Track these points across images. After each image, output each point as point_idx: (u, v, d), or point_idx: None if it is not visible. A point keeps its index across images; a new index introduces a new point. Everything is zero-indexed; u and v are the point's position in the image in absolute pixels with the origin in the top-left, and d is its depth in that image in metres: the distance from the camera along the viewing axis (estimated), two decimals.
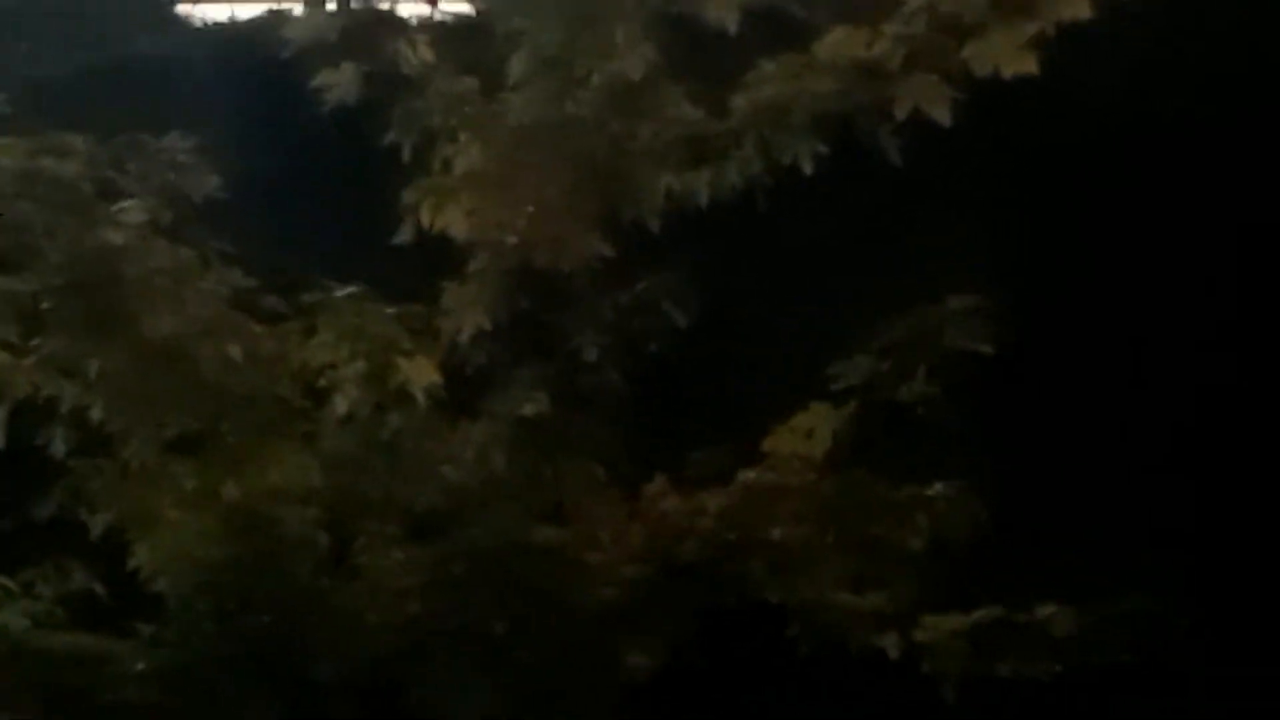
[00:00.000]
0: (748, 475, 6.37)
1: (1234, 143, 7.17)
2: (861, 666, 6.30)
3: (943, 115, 5.62)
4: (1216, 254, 7.18)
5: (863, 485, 6.30)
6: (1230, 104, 7.19)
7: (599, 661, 6.37)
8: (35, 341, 6.20)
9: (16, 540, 6.73)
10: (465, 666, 6.33)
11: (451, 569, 6.34)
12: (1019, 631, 6.21)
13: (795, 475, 6.34)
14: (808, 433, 6.35)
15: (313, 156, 7.23)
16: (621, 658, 6.36)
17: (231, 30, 8.72)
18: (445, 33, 6.50)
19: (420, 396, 6.27)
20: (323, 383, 6.32)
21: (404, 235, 6.25)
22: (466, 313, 6.25)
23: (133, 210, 6.15)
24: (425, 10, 6.74)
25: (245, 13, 8.77)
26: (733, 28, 5.84)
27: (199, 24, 9.06)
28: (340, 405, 6.29)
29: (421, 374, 6.26)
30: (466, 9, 7.17)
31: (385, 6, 6.37)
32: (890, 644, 6.27)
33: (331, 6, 6.26)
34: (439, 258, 6.30)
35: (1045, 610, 6.21)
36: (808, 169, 5.87)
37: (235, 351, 6.15)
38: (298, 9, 6.45)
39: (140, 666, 6.41)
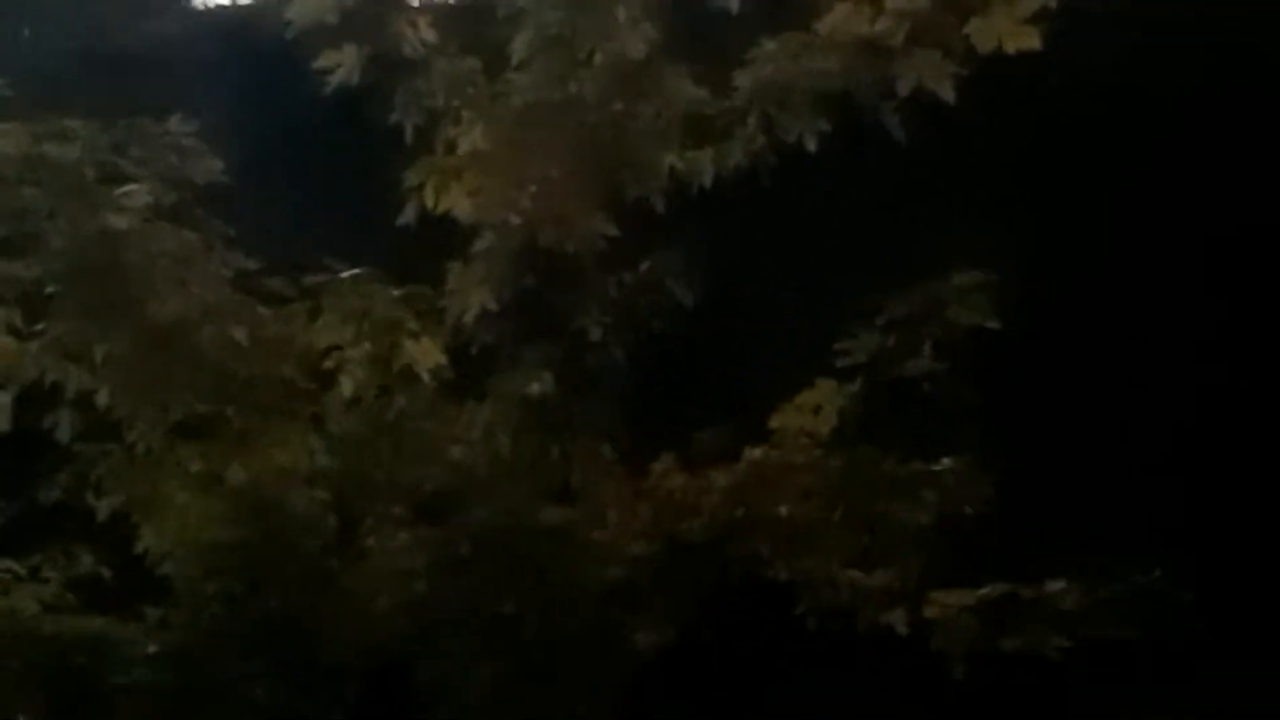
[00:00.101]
0: (754, 453, 6.37)
1: (1236, 117, 7.18)
2: (869, 643, 6.31)
3: (946, 92, 5.63)
4: (1220, 231, 7.19)
5: (869, 462, 6.29)
6: (1232, 79, 7.20)
7: (606, 640, 6.37)
8: (40, 326, 6.20)
9: (24, 525, 6.74)
10: (472, 646, 6.33)
11: (458, 549, 6.34)
12: (1026, 607, 6.21)
13: (802, 452, 6.34)
14: (814, 410, 6.35)
15: (316, 139, 7.23)
16: (629, 636, 6.36)
17: (233, 13, 8.71)
18: (447, 13, 6.49)
19: (426, 377, 6.29)
20: (328, 365, 6.32)
21: (408, 216, 6.26)
22: (471, 293, 6.26)
23: (136, 194, 6.14)
24: None
25: None
26: (735, 6, 5.85)
27: (201, 7, 9.04)
28: (346, 387, 6.30)
29: (427, 355, 6.27)
30: None
31: None
32: (898, 620, 6.27)
33: None
34: (443, 238, 6.30)
35: (1053, 586, 6.21)
36: (811, 147, 5.88)
37: (240, 334, 6.15)
38: None
39: (149, 649, 6.42)
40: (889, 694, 6.74)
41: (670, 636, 6.37)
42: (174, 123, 6.30)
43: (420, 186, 6.23)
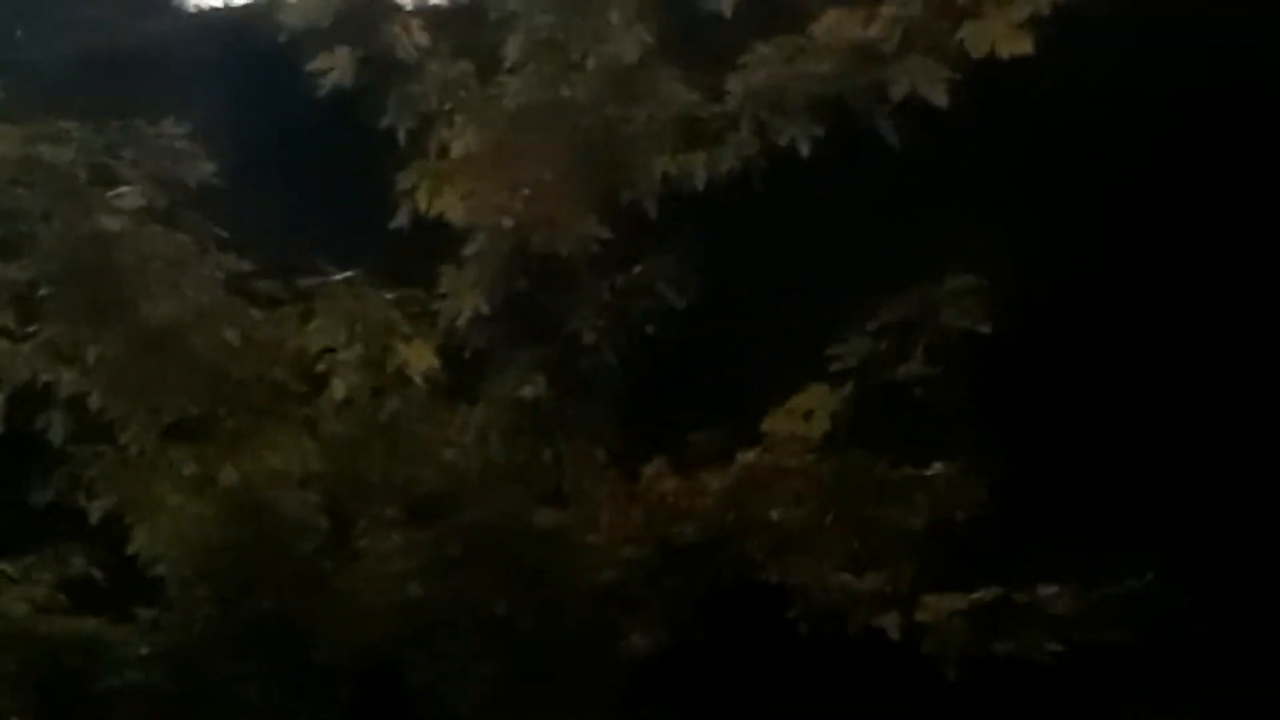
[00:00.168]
0: (746, 456, 6.37)
1: (1229, 121, 7.19)
2: (861, 646, 6.31)
3: (939, 97, 5.63)
4: (1214, 235, 7.19)
5: (861, 466, 6.29)
6: (1225, 83, 7.20)
7: (599, 643, 6.37)
8: (33, 328, 6.20)
9: (15, 526, 6.73)
10: (465, 648, 6.33)
11: (451, 551, 6.34)
12: (1019, 611, 6.20)
13: (794, 456, 6.34)
14: (806, 414, 6.35)
15: (309, 141, 7.24)
16: (621, 639, 6.36)
17: (227, 15, 8.72)
18: (440, 16, 6.50)
19: (418, 380, 6.28)
20: (321, 367, 6.33)
21: (401, 219, 6.26)
22: (464, 296, 6.26)
23: (129, 196, 6.14)
24: None
25: None
26: (728, 10, 5.84)
27: (194, 9, 9.05)
28: (339, 389, 6.30)
29: (420, 358, 6.28)
30: None
31: None
32: (890, 624, 6.27)
33: None
34: (436, 241, 6.30)
35: (1045, 590, 6.20)
36: (804, 151, 5.87)
37: (233, 336, 6.15)
38: None
39: (141, 651, 6.41)
40: (881, 697, 6.75)
41: (663, 639, 6.37)
42: (167, 125, 6.30)
43: (413, 189, 6.23)
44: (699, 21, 5.92)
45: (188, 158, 6.30)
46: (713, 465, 6.40)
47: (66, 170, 6.05)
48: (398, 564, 6.39)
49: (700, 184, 6.07)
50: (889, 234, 7.01)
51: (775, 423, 6.38)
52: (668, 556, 6.38)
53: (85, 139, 6.12)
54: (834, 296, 6.49)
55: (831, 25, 5.75)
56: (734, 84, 5.93)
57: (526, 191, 6.15)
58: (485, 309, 6.26)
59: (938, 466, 6.29)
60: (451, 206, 6.23)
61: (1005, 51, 5.53)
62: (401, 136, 6.27)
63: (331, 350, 6.30)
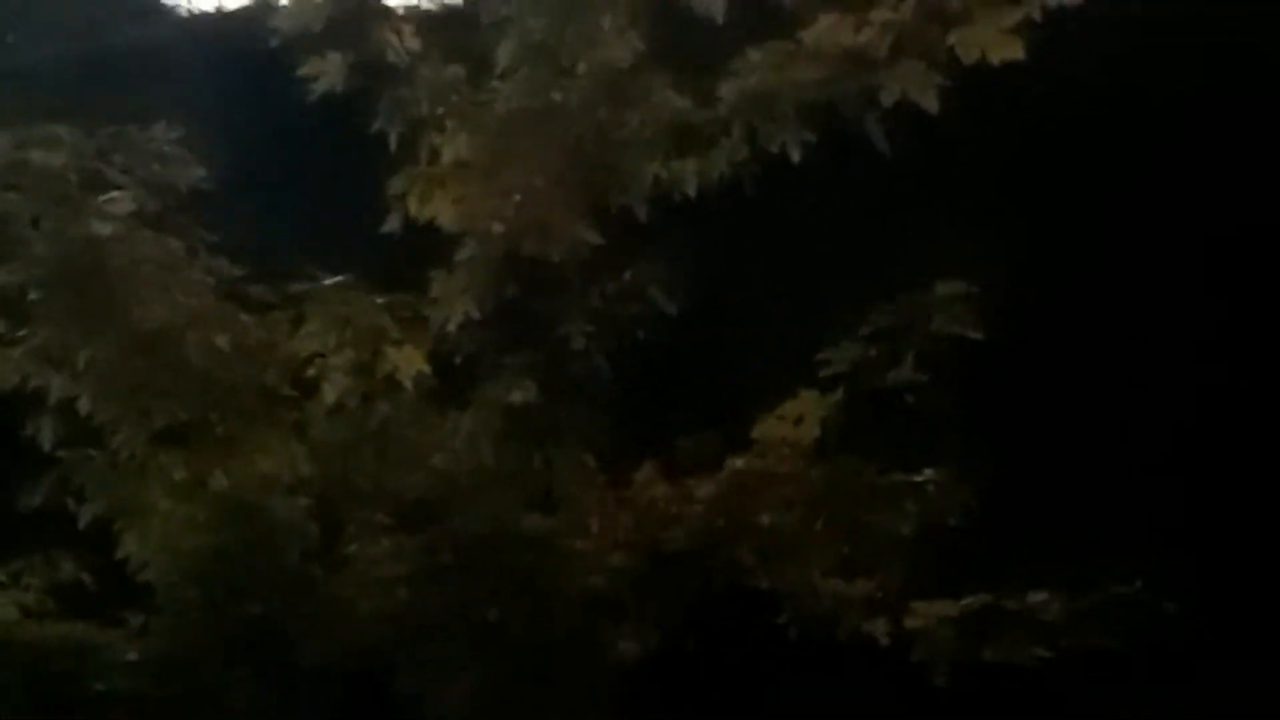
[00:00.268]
0: (736, 462, 6.37)
1: (1222, 126, 7.19)
2: (851, 653, 6.31)
3: (930, 102, 5.62)
4: (1206, 240, 7.20)
5: (851, 472, 6.29)
6: (1219, 87, 7.21)
7: (589, 649, 6.37)
8: (23, 332, 6.19)
9: (4, 531, 6.72)
10: (454, 654, 6.33)
11: (440, 557, 6.33)
12: (1008, 618, 6.21)
13: (784, 462, 6.34)
14: (796, 420, 6.35)
15: (300, 146, 7.23)
16: (611, 645, 6.36)
17: (218, 20, 8.71)
18: (432, 21, 6.49)
19: (409, 385, 6.28)
20: (311, 372, 6.32)
21: (392, 224, 6.25)
22: (455, 301, 6.25)
23: (119, 201, 6.12)
24: None
25: (232, 2, 8.77)
26: (720, 15, 5.84)
27: (185, 14, 9.05)
28: (329, 394, 6.29)
29: (410, 363, 6.27)
30: None
31: None
32: (879, 630, 6.28)
33: None
34: (427, 247, 6.30)
35: (1035, 596, 6.21)
36: (795, 157, 5.87)
37: (223, 341, 6.14)
38: None
39: (130, 656, 6.41)
40: (871, 703, 6.74)
41: (653, 645, 6.37)
42: (158, 130, 6.30)
43: (404, 194, 6.22)
44: (691, 27, 5.91)
45: (179, 162, 6.30)
46: (703, 471, 6.39)
47: (57, 175, 6.03)
48: (387, 569, 6.38)
49: (691, 189, 6.07)
50: (880, 240, 7.01)
51: (766, 428, 6.38)
52: (658, 562, 6.37)
53: (76, 143, 6.11)
54: (825, 302, 6.49)
55: (822, 31, 5.74)
56: (725, 90, 5.92)
57: (518, 197, 6.14)
58: (476, 314, 6.25)
59: (928, 472, 6.28)
60: (442, 211, 6.22)
61: (996, 57, 5.52)
62: (393, 141, 6.26)
63: (322, 355, 6.29)
